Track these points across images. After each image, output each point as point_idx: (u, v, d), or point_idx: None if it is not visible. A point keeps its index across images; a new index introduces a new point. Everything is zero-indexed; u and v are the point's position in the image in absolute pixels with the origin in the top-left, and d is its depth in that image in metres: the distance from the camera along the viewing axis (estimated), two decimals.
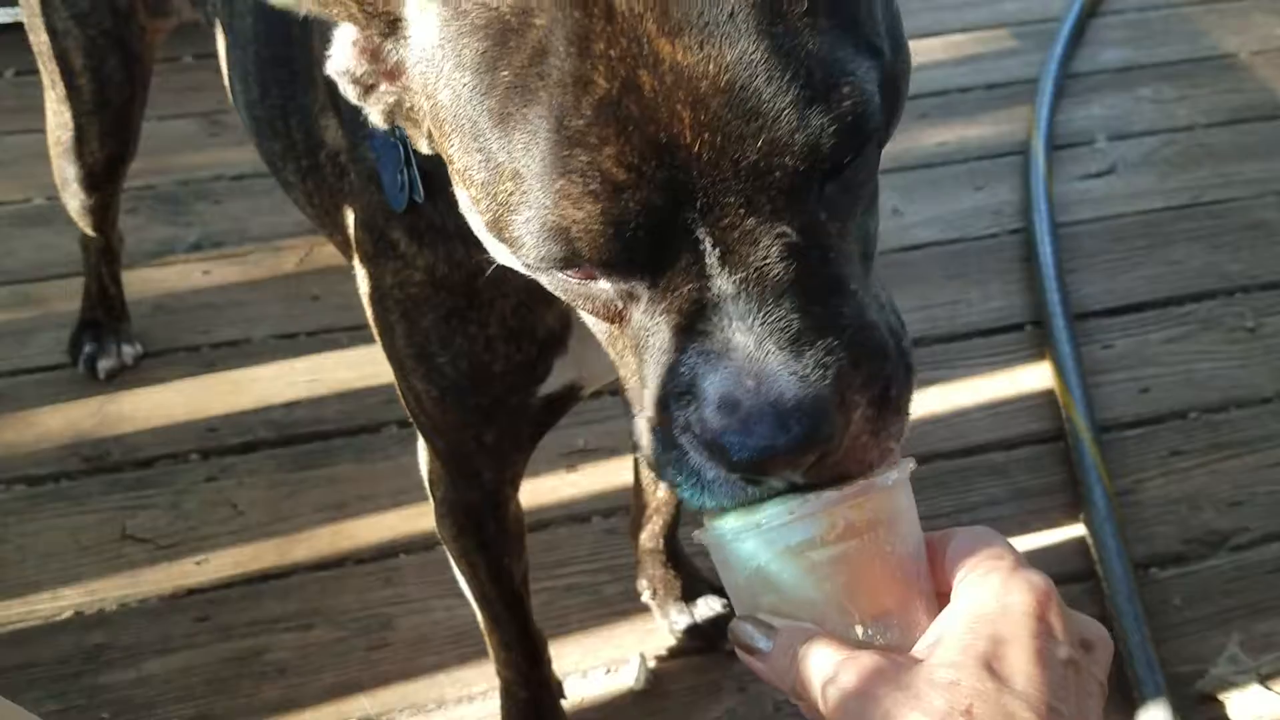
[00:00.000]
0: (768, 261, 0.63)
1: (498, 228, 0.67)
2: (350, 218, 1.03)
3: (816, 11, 0.62)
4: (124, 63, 1.55)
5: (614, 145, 0.60)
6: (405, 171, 0.90)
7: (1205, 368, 1.94)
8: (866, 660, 0.66)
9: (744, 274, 0.63)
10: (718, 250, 0.63)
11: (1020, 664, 0.63)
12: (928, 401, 1.87)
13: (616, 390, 0.78)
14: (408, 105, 0.72)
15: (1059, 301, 1.97)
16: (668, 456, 0.68)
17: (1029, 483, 1.76)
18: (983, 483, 1.75)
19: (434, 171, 0.88)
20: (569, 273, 0.67)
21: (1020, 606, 0.65)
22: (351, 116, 0.98)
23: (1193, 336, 1.99)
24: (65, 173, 1.67)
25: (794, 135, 0.60)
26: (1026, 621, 0.65)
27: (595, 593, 1.62)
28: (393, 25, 0.70)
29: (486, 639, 1.34)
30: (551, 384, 1.03)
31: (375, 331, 1.05)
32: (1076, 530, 1.68)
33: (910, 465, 0.71)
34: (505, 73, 0.62)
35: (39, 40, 1.54)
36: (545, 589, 1.59)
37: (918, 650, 0.68)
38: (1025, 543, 1.67)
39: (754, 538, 0.68)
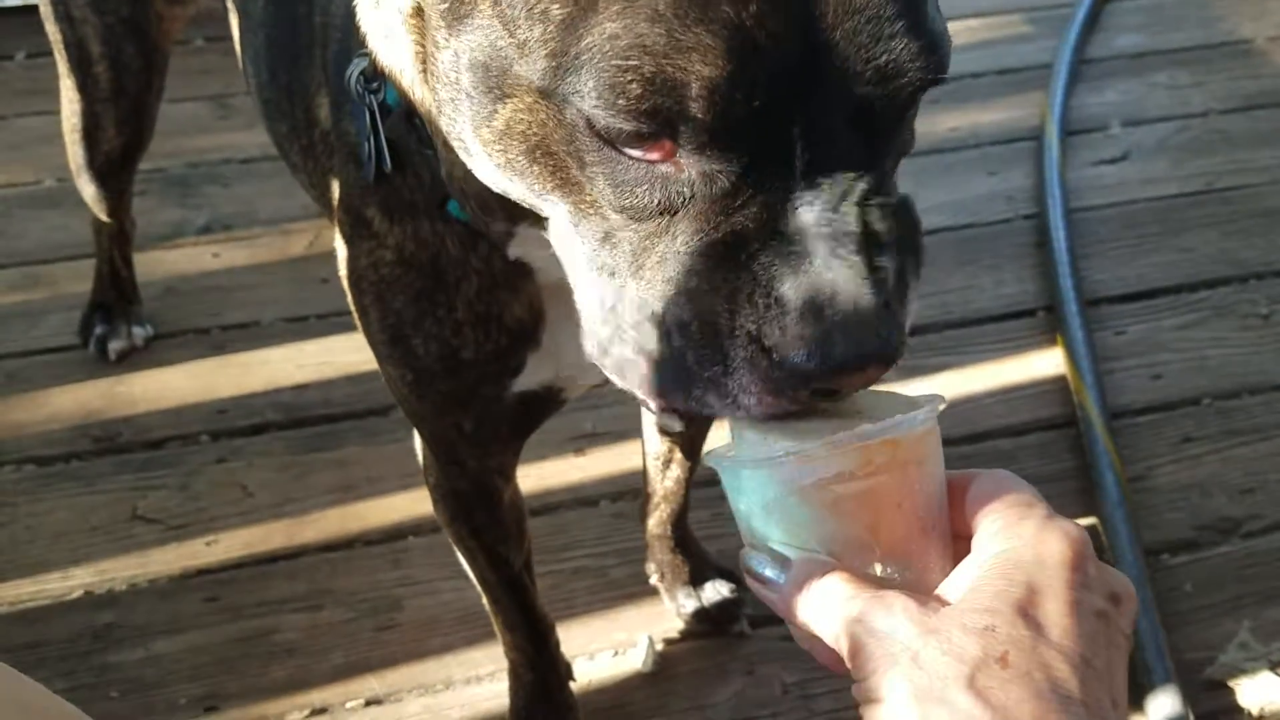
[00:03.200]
0: (849, 173, 0.62)
1: (559, 66, 0.60)
2: (335, 198, 1.04)
3: None
4: (141, 50, 1.55)
5: (760, 5, 0.57)
6: (372, 140, 0.89)
7: (1217, 354, 1.92)
8: (888, 597, 0.64)
9: (828, 181, 0.61)
10: (807, 151, 0.60)
11: (1056, 615, 0.62)
12: (937, 386, 1.86)
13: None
14: None
15: (1072, 287, 1.96)
16: (701, 369, 0.64)
17: (1040, 469, 1.75)
18: (993, 468, 1.74)
19: (399, 140, 0.88)
20: (639, 147, 0.61)
21: (1057, 556, 0.64)
22: (338, 93, 0.98)
23: (1205, 323, 1.98)
24: (80, 160, 1.67)
25: (919, 50, 0.60)
26: (1062, 572, 0.63)
27: (603, 575, 1.62)
28: None
29: (493, 621, 1.34)
30: (526, 380, 1.02)
31: (356, 318, 1.05)
32: (1087, 517, 1.67)
33: (941, 401, 0.69)
34: None
35: (55, 28, 1.54)
36: (553, 572, 1.59)
37: (944, 593, 0.66)
38: None
39: (779, 468, 0.66)
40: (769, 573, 0.68)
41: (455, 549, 1.25)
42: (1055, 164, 2.21)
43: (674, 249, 0.64)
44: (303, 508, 1.70)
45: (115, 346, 1.89)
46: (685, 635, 1.55)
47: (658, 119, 0.59)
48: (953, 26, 2.31)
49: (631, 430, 1.74)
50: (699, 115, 0.58)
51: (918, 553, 0.67)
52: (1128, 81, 2.51)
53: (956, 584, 0.66)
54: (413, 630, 1.56)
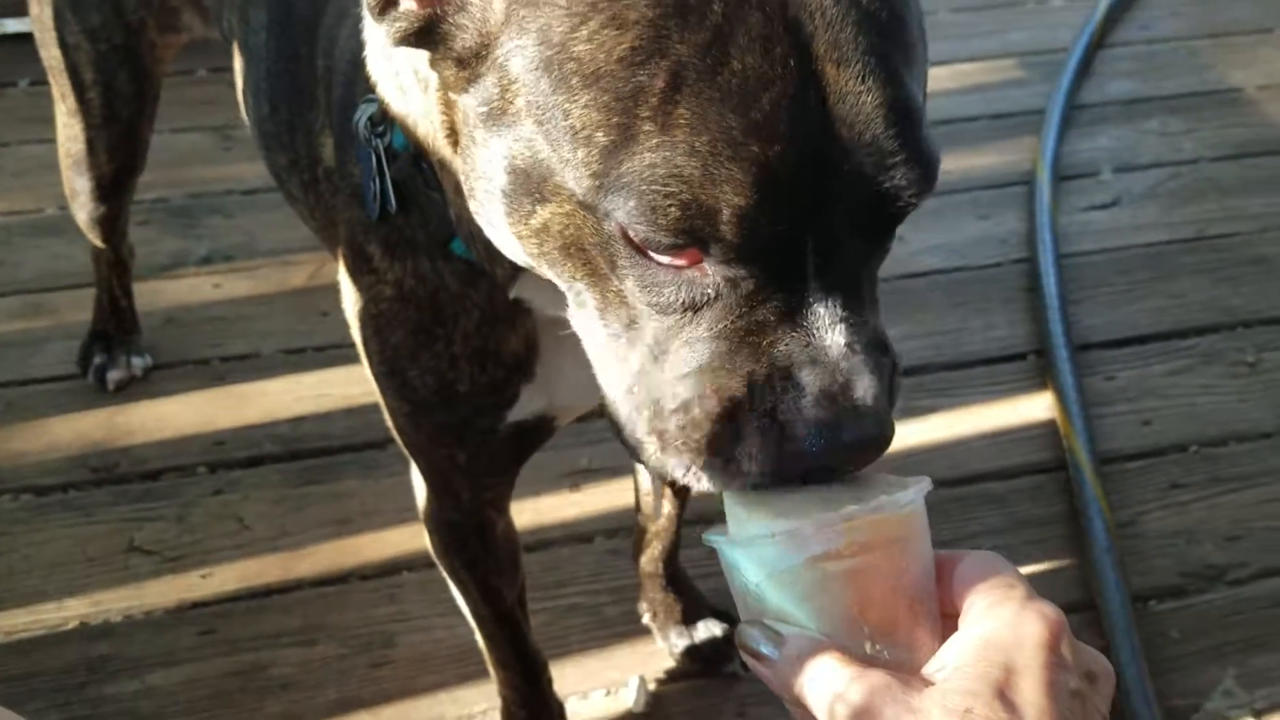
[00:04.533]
0: (850, 274, 0.70)
1: (601, 186, 0.67)
2: (339, 235, 1.06)
3: (923, 71, 0.72)
4: (133, 77, 1.57)
5: (783, 144, 0.64)
6: (377, 181, 0.93)
7: (1206, 401, 1.95)
8: (877, 678, 0.66)
9: (833, 285, 0.69)
10: (817, 259, 0.68)
11: (1033, 695, 0.64)
12: (929, 429, 1.89)
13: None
14: (452, 35, 0.72)
15: (1062, 332, 1.98)
16: (715, 443, 0.70)
17: (1029, 512, 1.77)
18: (982, 511, 1.77)
19: (405, 183, 0.92)
20: (671, 255, 0.68)
21: (1034, 637, 0.66)
22: (342, 135, 1.01)
23: (1194, 370, 2.01)
24: (74, 184, 1.69)
25: (917, 178, 0.68)
26: (1040, 653, 0.66)
27: (596, 614, 1.63)
28: None
29: (486, 658, 1.35)
30: (520, 411, 1.05)
31: (359, 350, 1.08)
32: (1075, 561, 1.69)
33: (927, 485, 0.72)
34: (680, 47, 0.65)
35: (50, 54, 1.57)
36: (546, 609, 1.61)
37: (928, 672, 0.68)
38: (1024, 572, 1.67)
39: (771, 545, 0.69)
40: (764, 649, 0.70)
41: (449, 583, 1.27)
42: (1046, 209, 2.24)
43: (698, 335, 0.70)
44: (298, 541, 1.71)
45: (114, 376, 1.91)
46: (677, 675, 1.56)
47: (691, 237, 0.66)
48: (947, 70, 2.35)
49: (626, 466, 1.75)
50: (729, 237, 0.66)
51: (905, 631, 0.70)
52: (1119, 128, 2.55)
53: (941, 663, 0.68)
54: (406, 667, 1.57)
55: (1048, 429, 1.89)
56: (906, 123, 0.67)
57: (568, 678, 1.53)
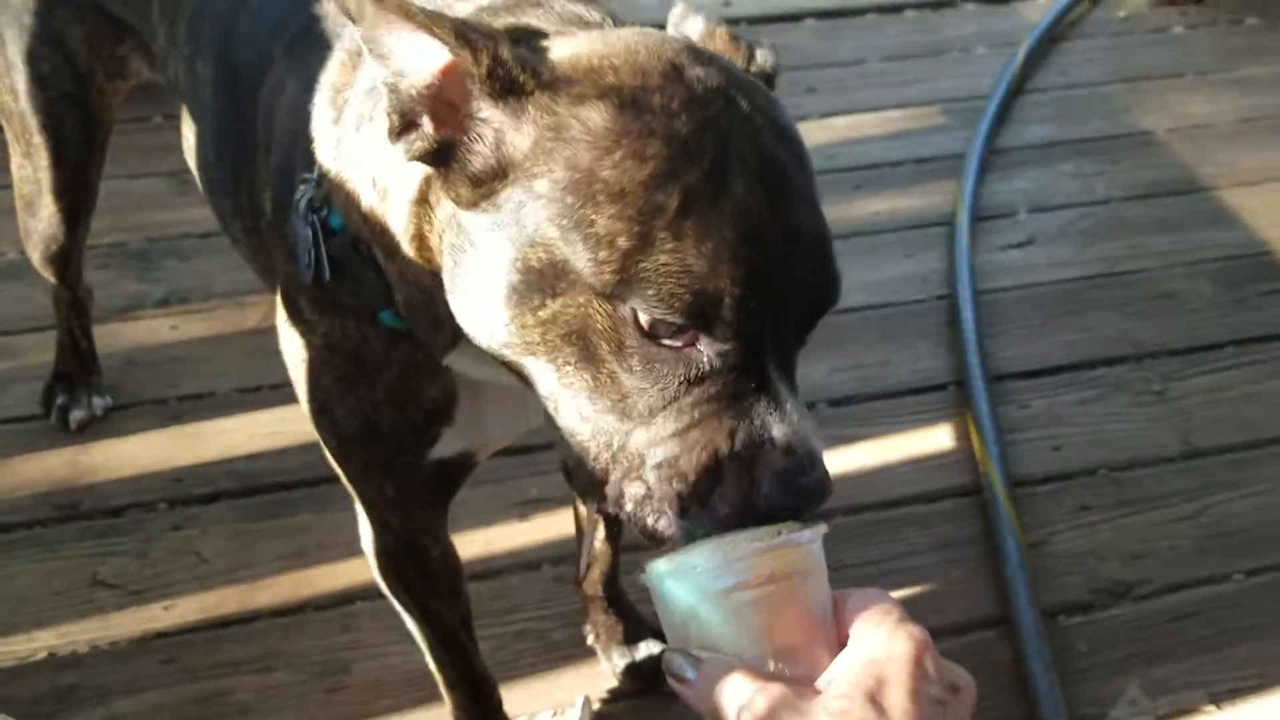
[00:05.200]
0: (791, 359, 0.86)
1: (621, 280, 0.81)
2: (277, 282, 1.16)
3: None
4: (81, 123, 1.65)
5: (764, 254, 0.82)
6: (313, 252, 1.04)
7: (1114, 428, 2.07)
8: (775, 690, 0.78)
9: (781, 365, 0.85)
10: (772, 341, 0.84)
11: (899, 700, 0.77)
12: (857, 456, 2.00)
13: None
14: (468, 158, 0.85)
15: (978, 364, 2.10)
16: (693, 492, 0.84)
17: (949, 534, 1.88)
18: (906, 533, 1.88)
19: (341, 258, 1.03)
20: (671, 338, 0.82)
21: (902, 653, 0.79)
22: (280, 196, 1.12)
23: (1104, 399, 2.13)
24: (27, 224, 1.77)
25: (834, 287, 0.87)
26: (906, 666, 0.79)
27: (544, 638, 1.71)
28: (509, 93, 0.84)
29: (437, 679, 1.42)
30: (442, 450, 1.15)
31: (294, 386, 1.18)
32: (991, 578, 1.80)
33: (823, 528, 0.85)
34: (688, 177, 0.81)
35: (1, 100, 1.64)
36: (496, 634, 1.69)
37: (819, 684, 0.81)
38: (943, 590, 1.79)
39: (690, 579, 0.82)
40: (687, 673, 0.83)
41: (397, 607, 1.35)
42: (965, 248, 2.36)
43: (686, 404, 0.84)
44: (255, 573, 1.78)
45: (76, 416, 1.97)
46: (621, 694, 1.64)
47: (697, 319, 0.81)
48: (874, 117, 2.49)
49: (572, 496, 1.84)
50: (728, 319, 0.81)
51: (805, 652, 0.82)
52: (1036, 170, 2.68)
53: (829, 677, 0.81)
54: (361, 692, 1.63)
55: (966, 455, 2.00)
56: (828, 245, 0.87)
57: (517, 700, 1.60)
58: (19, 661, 1.65)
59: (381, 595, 1.70)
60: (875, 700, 0.76)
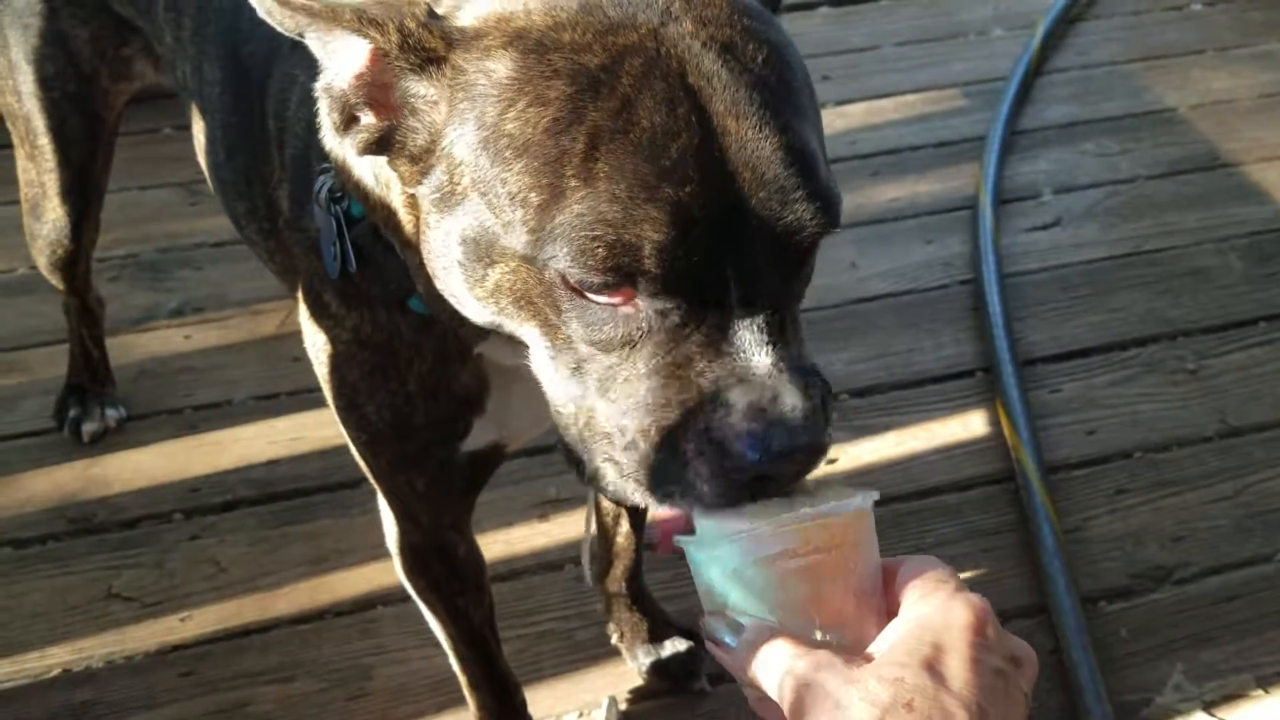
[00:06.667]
0: (773, 305, 0.77)
1: (539, 239, 0.75)
2: (299, 280, 1.13)
3: (816, 125, 0.81)
4: (85, 123, 1.63)
5: (693, 186, 0.73)
6: (338, 244, 1.00)
7: (1148, 409, 2.03)
8: (821, 655, 0.74)
9: (756, 312, 0.76)
10: (739, 290, 0.76)
11: (958, 669, 0.72)
12: (884, 446, 1.95)
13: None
14: (406, 137, 0.82)
15: (1007, 349, 2.06)
16: (665, 469, 0.77)
17: (981, 522, 1.83)
18: (937, 523, 1.83)
19: (364, 246, 1.00)
20: (605, 294, 0.76)
21: (961, 620, 0.74)
22: (297, 191, 1.08)
23: (1136, 380, 2.08)
24: (33, 228, 1.75)
25: (816, 211, 0.77)
26: (965, 634, 0.74)
27: (568, 638, 1.68)
28: (428, 62, 0.79)
29: (460, 681, 1.39)
30: (473, 441, 1.12)
31: (321, 384, 1.14)
32: (1027, 567, 1.75)
33: (874, 495, 0.80)
34: (594, 114, 0.74)
35: (5, 101, 1.63)
36: (519, 636, 1.66)
37: (872, 651, 0.76)
38: (978, 580, 1.74)
39: (734, 545, 0.77)
40: (726, 637, 0.78)
41: (420, 605, 1.32)
42: (989, 231, 2.32)
43: (636, 372, 0.77)
44: (274, 581, 1.76)
45: (89, 429, 1.95)
46: (647, 694, 1.61)
47: (620, 274, 0.74)
48: (892, 102, 2.44)
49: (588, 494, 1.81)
50: (652, 269, 0.74)
51: (852, 622, 0.78)
52: (1058, 150, 2.64)
53: (880, 645, 0.76)
54: (383, 699, 1.61)
55: (997, 442, 1.95)
56: (801, 163, 0.76)
57: (542, 702, 1.57)
58: (33, 680, 1.63)
59: (403, 599, 1.68)
60: (933, 668, 0.72)
